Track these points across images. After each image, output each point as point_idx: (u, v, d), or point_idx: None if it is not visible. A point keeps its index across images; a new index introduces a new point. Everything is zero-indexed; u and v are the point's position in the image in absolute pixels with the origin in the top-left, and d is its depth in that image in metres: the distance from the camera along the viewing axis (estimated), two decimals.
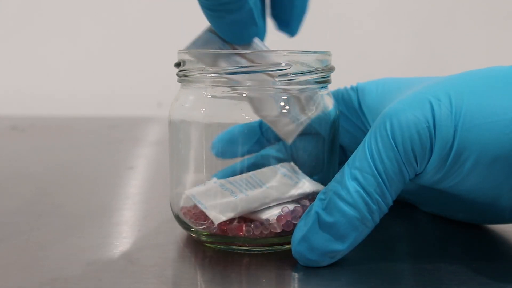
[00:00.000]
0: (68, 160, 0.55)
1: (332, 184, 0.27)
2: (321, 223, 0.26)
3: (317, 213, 0.26)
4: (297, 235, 0.27)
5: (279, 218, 0.28)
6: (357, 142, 0.33)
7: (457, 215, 0.34)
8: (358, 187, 0.26)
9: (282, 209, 0.29)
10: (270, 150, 0.32)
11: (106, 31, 0.88)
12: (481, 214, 0.32)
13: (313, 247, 0.27)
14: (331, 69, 0.30)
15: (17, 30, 0.88)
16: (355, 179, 0.26)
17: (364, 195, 0.26)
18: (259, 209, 0.29)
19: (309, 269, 0.27)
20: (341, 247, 0.26)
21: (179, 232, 0.32)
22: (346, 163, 0.27)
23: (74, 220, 0.35)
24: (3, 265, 0.27)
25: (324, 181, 0.30)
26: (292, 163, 0.32)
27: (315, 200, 0.27)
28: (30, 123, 0.77)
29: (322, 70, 0.29)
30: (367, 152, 0.26)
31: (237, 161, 0.31)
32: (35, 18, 0.87)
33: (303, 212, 0.29)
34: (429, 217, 0.36)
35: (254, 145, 0.32)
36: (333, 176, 0.28)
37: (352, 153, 0.28)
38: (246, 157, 0.31)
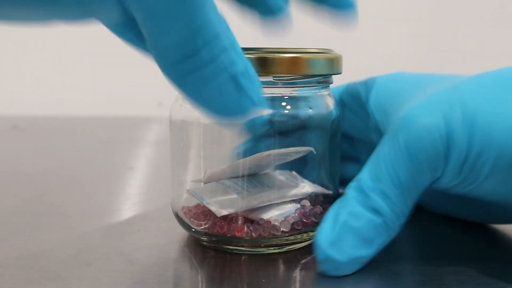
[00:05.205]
0: (68, 160, 0.55)
1: (353, 187, 0.26)
2: (349, 228, 0.26)
3: (344, 220, 0.26)
4: (324, 239, 0.26)
5: (284, 220, 0.28)
6: (363, 138, 0.33)
7: (471, 216, 0.34)
8: (378, 197, 0.26)
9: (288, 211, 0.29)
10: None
11: (106, 31, 0.88)
12: (496, 214, 0.32)
13: (342, 252, 0.26)
14: None
15: (17, 29, 0.88)
16: (374, 189, 0.26)
17: (385, 203, 0.25)
18: (260, 205, 0.29)
19: (308, 270, 0.27)
20: (368, 253, 0.26)
21: (179, 232, 0.32)
22: (362, 171, 0.27)
23: (74, 220, 0.35)
24: (3, 265, 0.27)
25: (324, 181, 0.30)
26: (292, 172, 0.32)
27: (341, 201, 0.27)
28: (30, 123, 0.77)
29: None
30: (381, 162, 0.26)
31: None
32: None
33: (304, 212, 0.29)
34: (430, 217, 0.36)
35: (253, 142, 0.32)
36: (334, 176, 0.28)
37: (357, 147, 0.27)
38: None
